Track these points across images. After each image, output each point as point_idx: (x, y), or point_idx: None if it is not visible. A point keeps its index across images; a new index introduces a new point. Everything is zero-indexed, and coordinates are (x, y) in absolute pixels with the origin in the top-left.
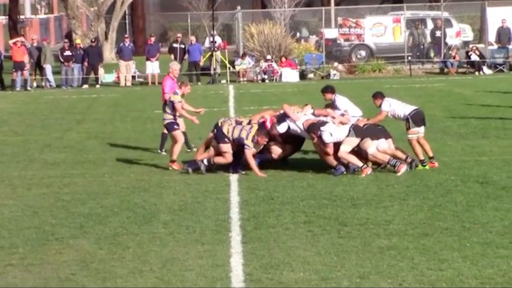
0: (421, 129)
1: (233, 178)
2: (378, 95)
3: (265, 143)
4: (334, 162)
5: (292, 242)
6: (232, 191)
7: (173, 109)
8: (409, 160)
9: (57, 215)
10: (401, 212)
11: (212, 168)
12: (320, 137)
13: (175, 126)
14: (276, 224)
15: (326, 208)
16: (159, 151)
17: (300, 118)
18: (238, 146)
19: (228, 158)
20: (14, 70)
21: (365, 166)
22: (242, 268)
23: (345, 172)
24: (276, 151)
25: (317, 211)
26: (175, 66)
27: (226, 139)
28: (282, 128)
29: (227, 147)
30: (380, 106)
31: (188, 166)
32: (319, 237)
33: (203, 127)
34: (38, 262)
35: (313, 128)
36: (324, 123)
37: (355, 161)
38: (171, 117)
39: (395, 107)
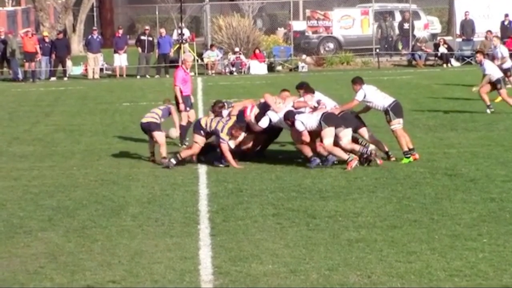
0: (401, 121)
1: (202, 170)
2: (357, 81)
3: (240, 136)
4: (309, 153)
5: (260, 234)
6: (201, 183)
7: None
8: (366, 155)
9: (26, 207)
10: (369, 205)
11: (183, 162)
12: (294, 125)
13: (200, 131)
14: (244, 216)
15: (294, 200)
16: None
17: (280, 109)
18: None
19: (195, 149)
20: (25, 60)
21: (350, 158)
22: (210, 261)
23: (320, 164)
24: (247, 141)
25: (285, 203)
26: (188, 58)
27: (201, 131)
28: (263, 123)
29: (199, 138)
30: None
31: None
32: (288, 229)
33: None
34: (6, 255)
35: (289, 116)
36: (299, 112)
37: (341, 154)
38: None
39: (374, 97)
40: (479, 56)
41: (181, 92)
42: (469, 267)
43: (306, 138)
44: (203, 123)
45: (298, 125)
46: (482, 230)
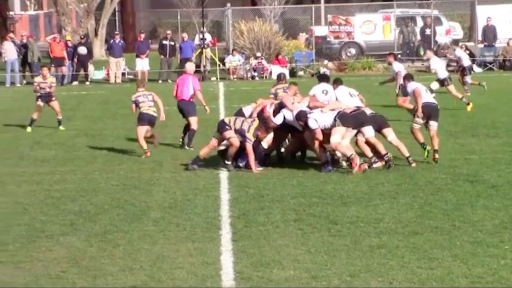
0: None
1: (223, 175)
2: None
3: (266, 137)
4: (324, 159)
5: (282, 240)
6: (222, 188)
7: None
8: (386, 158)
9: (47, 212)
10: (391, 211)
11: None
12: (306, 124)
13: (227, 127)
14: (266, 222)
15: (316, 206)
16: (186, 147)
17: (296, 109)
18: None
19: (235, 142)
20: (53, 65)
21: (354, 158)
22: (232, 266)
23: (332, 171)
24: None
25: (307, 209)
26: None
27: (227, 127)
28: (278, 119)
29: (230, 133)
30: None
31: (193, 164)
32: (309, 235)
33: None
34: (28, 260)
35: (301, 115)
36: (311, 112)
37: (345, 151)
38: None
39: (424, 92)
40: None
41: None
42: (490, 274)
43: (319, 135)
44: (226, 120)
45: (311, 123)
46: (504, 237)
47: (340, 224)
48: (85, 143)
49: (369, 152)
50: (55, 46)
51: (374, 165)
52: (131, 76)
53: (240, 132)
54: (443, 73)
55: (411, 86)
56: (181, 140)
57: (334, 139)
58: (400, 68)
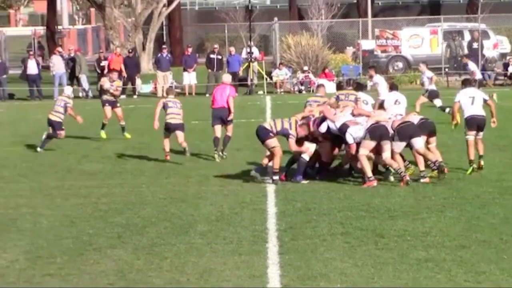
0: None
1: (270, 189)
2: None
3: (305, 135)
4: (369, 173)
5: (329, 253)
6: (269, 202)
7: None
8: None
9: (95, 225)
10: (438, 224)
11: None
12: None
13: (270, 134)
14: (313, 235)
15: (363, 219)
16: (220, 153)
17: (338, 119)
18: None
19: (278, 152)
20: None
21: (372, 178)
22: (279, 279)
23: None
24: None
25: (354, 222)
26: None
27: (271, 134)
28: (322, 128)
29: (274, 142)
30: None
31: (256, 171)
32: (356, 248)
33: (241, 137)
34: (76, 272)
35: (342, 130)
36: (354, 123)
37: (366, 169)
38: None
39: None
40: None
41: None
42: None
43: (353, 151)
44: (267, 126)
45: (348, 138)
46: None
47: (387, 237)
48: (132, 156)
49: (400, 164)
50: (115, 59)
51: (422, 180)
52: (178, 90)
53: (283, 132)
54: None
55: None
56: (217, 152)
57: (361, 151)
58: (379, 80)
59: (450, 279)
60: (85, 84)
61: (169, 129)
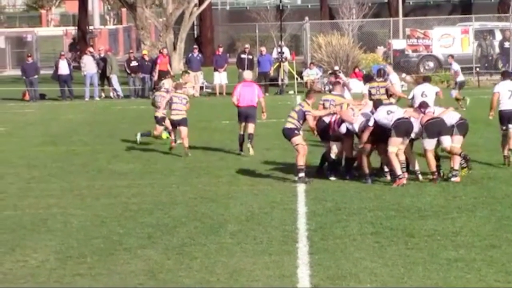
0: None
1: (300, 189)
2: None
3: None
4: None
5: (359, 253)
6: (299, 202)
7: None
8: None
9: (125, 225)
10: (468, 224)
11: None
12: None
13: (295, 132)
14: (343, 235)
15: (393, 219)
16: (248, 145)
17: (357, 121)
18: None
19: (302, 150)
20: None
21: (401, 176)
22: (309, 279)
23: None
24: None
25: (384, 222)
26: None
27: (295, 131)
28: (342, 129)
29: (299, 139)
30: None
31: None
32: (386, 248)
33: (271, 137)
34: (106, 272)
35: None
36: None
37: (396, 167)
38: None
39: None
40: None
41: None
42: None
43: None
44: (291, 125)
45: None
46: None
47: (417, 237)
48: (162, 156)
49: (396, 166)
50: (162, 60)
51: (453, 179)
52: (209, 90)
53: (301, 117)
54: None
55: None
56: (240, 150)
57: (390, 149)
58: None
59: (480, 279)
60: (116, 84)
61: (173, 125)
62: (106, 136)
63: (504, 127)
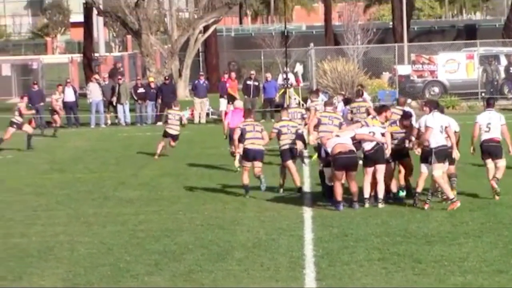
0: None
1: (307, 215)
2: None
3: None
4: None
5: (366, 279)
6: (306, 228)
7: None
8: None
9: (132, 252)
10: (475, 249)
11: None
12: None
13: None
14: (350, 261)
15: (400, 245)
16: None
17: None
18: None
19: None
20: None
21: (455, 199)
22: None
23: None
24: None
25: (391, 248)
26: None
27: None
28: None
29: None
30: None
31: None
32: (394, 274)
33: (277, 164)
34: None
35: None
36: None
37: (447, 190)
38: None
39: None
40: None
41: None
42: None
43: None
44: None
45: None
46: None
47: (424, 263)
48: (169, 183)
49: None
50: (231, 84)
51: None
52: (215, 116)
53: (299, 135)
54: None
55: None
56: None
57: (436, 173)
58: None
59: None
60: (127, 111)
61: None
62: (112, 163)
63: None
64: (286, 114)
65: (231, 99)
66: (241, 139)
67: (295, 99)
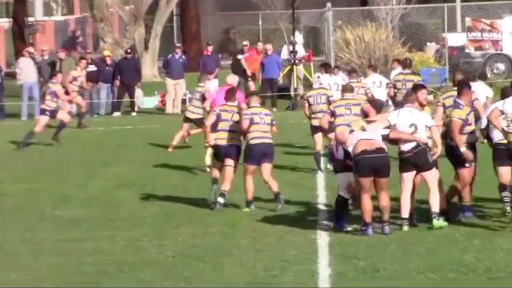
0: None
1: (322, 242)
2: None
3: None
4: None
5: None
6: (321, 260)
7: None
8: None
9: None
10: None
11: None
12: None
13: None
14: None
15: (453, 283)
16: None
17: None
18: None
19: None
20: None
21: None
22: None
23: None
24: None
25: None
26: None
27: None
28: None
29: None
30: None
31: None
32: None
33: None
34: None
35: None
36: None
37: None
38: None
39: None
40: None
41: None
42: None
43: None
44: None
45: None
46: None
47: None
48: (129, 197)
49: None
50: (255, 57)
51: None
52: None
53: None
54: None
55: None
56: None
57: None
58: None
59: None
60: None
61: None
62: (50, 170)
63: None
64: (256, 100)
65: (252, 77)
66: (214, 127)
67: (318, 77)
